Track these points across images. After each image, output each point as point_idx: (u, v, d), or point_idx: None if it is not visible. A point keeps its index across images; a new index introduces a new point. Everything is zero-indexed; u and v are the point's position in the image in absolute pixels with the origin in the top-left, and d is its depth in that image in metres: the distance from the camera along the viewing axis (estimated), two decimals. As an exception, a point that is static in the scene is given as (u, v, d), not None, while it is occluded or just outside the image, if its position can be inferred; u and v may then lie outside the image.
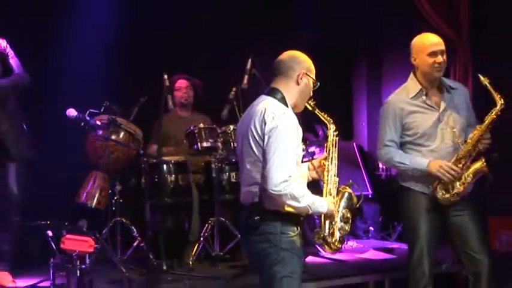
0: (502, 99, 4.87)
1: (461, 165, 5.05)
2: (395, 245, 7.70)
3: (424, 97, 5.22)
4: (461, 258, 5.39)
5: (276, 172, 3.99)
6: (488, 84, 4.88)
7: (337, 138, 4.52)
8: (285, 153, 4.03)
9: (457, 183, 4.95)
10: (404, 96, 5.33)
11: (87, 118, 6.42)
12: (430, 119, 5.20)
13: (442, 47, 5.21)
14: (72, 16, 7.30)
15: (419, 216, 5.25)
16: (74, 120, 6.21)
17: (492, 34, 7.63)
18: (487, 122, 5.02)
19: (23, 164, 6.02)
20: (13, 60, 6.07)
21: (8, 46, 6.02)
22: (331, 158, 4.44)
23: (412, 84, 5.30)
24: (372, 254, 7.32)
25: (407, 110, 5.29)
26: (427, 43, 5.20)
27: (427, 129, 5.21)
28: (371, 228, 8.23)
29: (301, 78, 4.24)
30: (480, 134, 5.04)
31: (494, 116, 4.88)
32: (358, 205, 4.74)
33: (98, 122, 6.51)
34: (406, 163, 5.23)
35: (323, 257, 6.90)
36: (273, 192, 3.99)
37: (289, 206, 4.06)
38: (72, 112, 5.68)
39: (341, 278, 6.51)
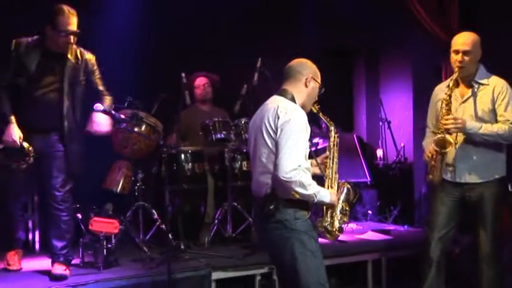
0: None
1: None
2: (391, 227, 7.67)
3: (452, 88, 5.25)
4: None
5: (286, 160, 4.03)
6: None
7: (338, 139, 4.59)
8: (296, 144, 4.09)
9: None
10: (446, 84, 5.41)
11: (113, 112, 6.57)
12: (453, 106, 5.24)
13: (464, 47, 5.22)
14: (99, 16, 7.25)
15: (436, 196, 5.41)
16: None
17: (479, 35, 7.63)
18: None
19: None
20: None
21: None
22: (333, 157, 4.51)
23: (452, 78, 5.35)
24: (370, 235, 7.30)
25: (439, 97, 5.37)
26: (452, 42, 5.31)
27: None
28: (369, 211, 8.22)
29: (309, 82, 4.33)
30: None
31: None
32: (355, 200, 4.84)
33: (122, 116, 6.41)
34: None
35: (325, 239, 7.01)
36: (283, 178, 4.03)
37: (297, 192, 4.10)
38: (99, 107, 5.69)
39: (343, 257, 6.61)
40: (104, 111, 5.68)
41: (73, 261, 5.99)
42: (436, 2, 7.34)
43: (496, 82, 5.31)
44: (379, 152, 8.60)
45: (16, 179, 5.65)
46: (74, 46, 5.66)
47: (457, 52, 5.19)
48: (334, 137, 4.56)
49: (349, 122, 9.54)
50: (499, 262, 5.35)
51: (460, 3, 7.40)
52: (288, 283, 4.39)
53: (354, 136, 8.58)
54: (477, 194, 5.26)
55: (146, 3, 7.65)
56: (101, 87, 5.93)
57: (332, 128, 4.58)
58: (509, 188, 4.07)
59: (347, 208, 4.45)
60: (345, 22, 8.69)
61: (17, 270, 5.72)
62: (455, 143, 5.12)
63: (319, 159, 4.54)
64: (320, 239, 6.45)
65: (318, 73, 4.43)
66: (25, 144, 5.47)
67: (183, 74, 6.71)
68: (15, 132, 5.44)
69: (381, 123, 8.67)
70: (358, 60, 10.03)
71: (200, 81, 7.53)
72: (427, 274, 5.38)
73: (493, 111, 5.22)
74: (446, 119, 5.10)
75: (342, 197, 4.46)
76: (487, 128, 5.11)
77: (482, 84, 5.26)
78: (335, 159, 4.51)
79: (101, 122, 5.79)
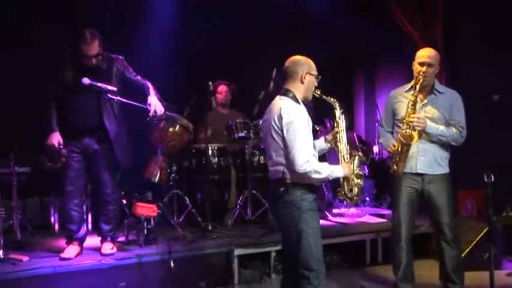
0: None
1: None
2: (385, 212, 7.62)
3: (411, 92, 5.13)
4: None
5: (299, 155, 4.06)
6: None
7: (343, 115, 4.52)
8: (303, 140, 4.10)
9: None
10: (402, 88, 5.35)
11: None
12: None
13: (428, 59, 5.11)
14: (141, 31, 7.33)
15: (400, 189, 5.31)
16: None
17: (460, 48, 7.52)
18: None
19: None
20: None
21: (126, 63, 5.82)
22: (341, 131, 4.46)
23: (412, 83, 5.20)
24: (368, 219, 7.33)
25: (396, 100, 5.33)
26: (417, 55, 5.17)
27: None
28: (367, 198, 8.14)
29: (305, 77, 4.28)
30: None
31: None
32: (367, 162, 4.84)
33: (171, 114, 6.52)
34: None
35: (330, 220, 6.95)
36: (299, 171, 4.07)
37: (314, 179, 4.15)
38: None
39: (345, 236, 6.66)
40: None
41: (119, 239, 6.06)
42: (422, 21, 7.32)
43: (451, 92, 5.30)
44: (375, 148, 8.49)
45: (65, 177, 5.63)
46: (104, 54, 5.62)
47: (422, 64, 5.09)
48: (340, 112, 4.51)
49: (350, 122, 9.49)
50: (458, 243, 5.34)
51: (444, 25, 7.39)
52: (290, 255, 4.36)
53: (354, 135, 8.47)
54: (435, 186, 5.24)
55: (180, 25, 7.63)
56: (138, 77, 5.85)
57: (336, 104, 4.51)
58: (485, 178, 4.11)
59: (361, 173, 4.44)
60: (346, 37, 8.64)
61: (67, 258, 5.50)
62: (418, 139, 5.06)
63: (329, 136, 4.52)
64: (323, 221, 6.49)
65: (312, 65, 4.38)
66: (62, 149, 5.51)
67: (210, 83, 6.72)
68: (55, 139, 5.48)
69: (377, 124, 8.62)
70: (358, 70, 9.93)
71: (222, 88, 7.54)
72: (402, 256, 5.32)
73: (447, 116, 5.19)
74: (413, 117, 5.00)
75: (355, 163, 4.42)
76: (443, 130, 5.11)
77: (441, 93, 5.21)
78: (343, 133, 4.47)
79: (156, 104, 5.67)
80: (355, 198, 4.48)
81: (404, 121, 5.06)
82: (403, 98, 5.27)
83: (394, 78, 5.63)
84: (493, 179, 4.01)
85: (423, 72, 5.07)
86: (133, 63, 6.00)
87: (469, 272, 5.54)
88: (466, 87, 6.63)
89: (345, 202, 4.64)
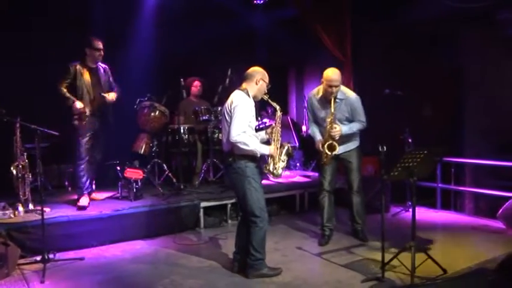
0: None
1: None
2: (311, 174, 7.67)
3: (323, 99, 5.12)
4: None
5: (234, 129, 4.13)
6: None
7: (281, 117, 4.51)
8: (241, 119, 4.14)
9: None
10: (315, 94, 5.27)
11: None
12: (324, 111, 5.15)
13: (334, 82, 4.98)
14: (128, 48, 7.22)
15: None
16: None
17: (364, 57, 7.62)
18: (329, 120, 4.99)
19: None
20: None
21: (109, 71, 5.89)
22: (277, 128, 4.45)
23: (321, 89, 5.15)
24: (298, 179, 7.35)
25: (316, 98, 5.25)
26: (327, 78, 4.99)
27: (322, 116, 5.17)
28: (298, 164, 8.20)
29: (259, 82, 4.34)
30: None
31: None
32: (292, 155, 4.91)
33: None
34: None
35: (271, 180, 6.91)
36: (232, 141, 4.14)
37: (243, 149, 4.16)
38: None
39: (281, 192, 6.76)
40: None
41: (114, 195, 6.09)
42: (336, 35, 7.32)
43: (348, 97, 5.16)
44: (304, 128, 8.63)
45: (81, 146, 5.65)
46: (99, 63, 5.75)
47: (330, 86, 4.97)
48: (279, 115, 4.49)
49: (285, 109, 9.61)
50: (362, 193, 5.40)
51: (352, 38, 7.42)
52: (242, 207, 4.41)
53: (288, 117, 8.55)
54: (349, 158, 5.28)
55: (159, 34, 7.50)
56: (114, 83, 5.94)
57: (278, 108, 4.48)
58: (380, 149, 4.20)
59: (285, 158, 4.45)
60: (282, 47, 8.60)
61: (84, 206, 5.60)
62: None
63: (269, 130, 4.50)
64: (267, 181, 6.54)
65: (266, 75, 4.39)
66: (87, 111, 5.59)
67: (182, 79, 6.68)
68: (79, 104, 5.53)
69: (304, 110, 8.75)
70: (291, 71, 9.87)
71: (197, 83, 7.41)
72: (325, 202, 5.35)
73: (350, 116, 5.16)
74: (334, 132, 4.99)
75: (284, 152, 4.44)
76: (351, 128, 5.10)
77: (342, 99, 5.11)
78: (279, 129, 4.45)
79: (112, 97, 5.77)
80: (276, 174, 4.42)
81: (329, 136, 5.02)
82: (317, 103, 5.23)
83: (316, 75, 5.69)
84: (385, 149, 4.12)
85: (331, 93, 5.00)
86: (125, 70, 5.99)
87: (369, 215, 5.70)
88: (367, 85, 6.79)
89: (270, 176, 4.62)
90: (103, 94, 5.71)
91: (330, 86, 5.00)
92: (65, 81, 5.57)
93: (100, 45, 5.65)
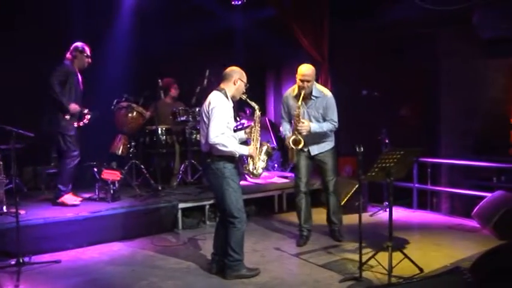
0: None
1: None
2: (289, 174, 7.55)
3: (299, 96, 5.06)
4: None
5: (212, 131, 4.11)
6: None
7: (261, 117, 4.53)
8: (219, 121, 4.12)
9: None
10: (291, 92, 5.29)
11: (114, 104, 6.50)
12: (301, 111, 5.10)
13: (307, 77, 5.02)
14: (105, 48, 7.12)
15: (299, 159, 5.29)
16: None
17: (341, 58, 7.68)
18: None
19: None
20: None
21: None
22: (256, 128, 4.45)
23: (296, 87, 5.17)
24: (276, 180, 7.33)
25: (289, 98, 5.26)
26: (300, 73, 5.04)
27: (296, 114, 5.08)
28: (276, 165, 8.19)
29: (236, 82, 4.32)
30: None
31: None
32: (271, 154, 4.93)
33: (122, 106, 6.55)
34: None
35: (249, 181, 6.95)
36: (210, 142, 4.13)
37: (222, 150, 4.14)
38: None
39: (259, 193, 6.76)
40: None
41: (91, 197, 6.05)
42: (313, 36, 7.35)
43: (324, 95, 5.18)
44: (281, 129, 8.69)
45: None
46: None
47: (302, 81, 5.01)
48: (258, 114, 4.49)
49: (263, 109, 9.62)
50: (338, 193, 5.46)
51: (328, 39, 7.41)
52: (220, 208, 4.42)
53: (266, 119, 8.55)
54: (323, 159, 5.29)
55: (136, 35, 7.47)
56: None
57: (256, 107, 4.48)
58: (357, 149, 4.22)
59: (265, 158, 4.47)
60: (261, 48, 8.61)
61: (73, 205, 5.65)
62: (305, 137, 5.03)
63: (247, 130, 4.49)
64: (245, 182, 6.52)
65: (244, 75, 4.39)
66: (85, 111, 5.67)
67: (159, 80, 6.67)
68: (75, 105, 5.59)
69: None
70: (269, 71, 9.87)
71: (175, 87, 7.39)
72: (302, 203, 5.34)
73: (323, 114, 5.17)
74: (301, 126, 4.99)
75: (263, 151, 4.45)
76: (322, 127, 5.11)
77: (317, 97, 5.15)
78: (258, 129, 4.45)
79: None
80: (256, 174, 4.44)
81: (295, 130, 5.03)
82: (292, 101, 5.24)
83: (294, 76, 5.71)
84: (362, 150, 4.15)
85: (303, 87, 5.04)
86: (101, 66, 5.93)
87: (346, 215, 5.77)
88: (344, 86, 6.84)
89: (249, 176, 4.62)
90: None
91: (302, 81, 5.03)
92: (58, 79, 5.56)
93: (89, 52, 5.75)
